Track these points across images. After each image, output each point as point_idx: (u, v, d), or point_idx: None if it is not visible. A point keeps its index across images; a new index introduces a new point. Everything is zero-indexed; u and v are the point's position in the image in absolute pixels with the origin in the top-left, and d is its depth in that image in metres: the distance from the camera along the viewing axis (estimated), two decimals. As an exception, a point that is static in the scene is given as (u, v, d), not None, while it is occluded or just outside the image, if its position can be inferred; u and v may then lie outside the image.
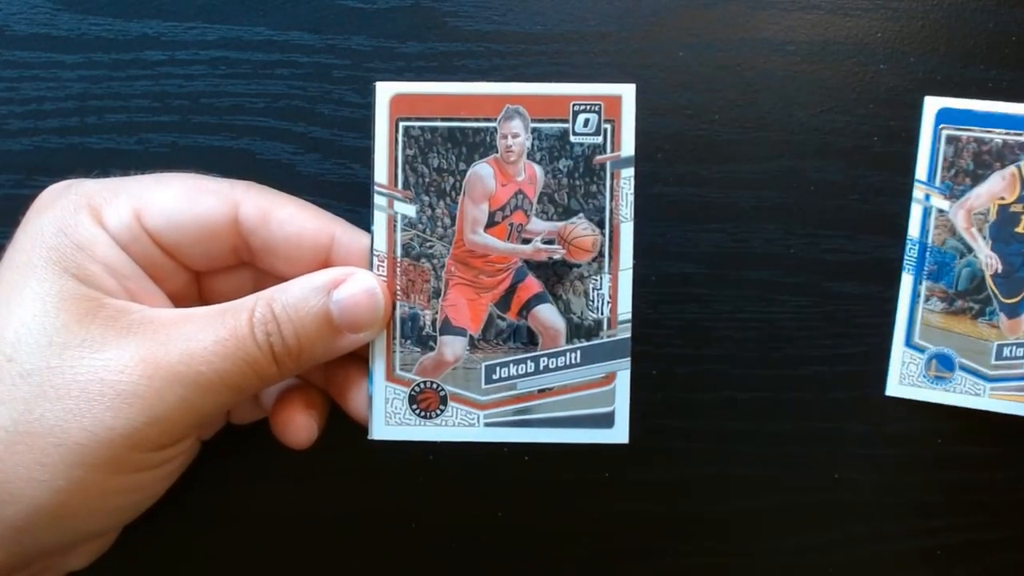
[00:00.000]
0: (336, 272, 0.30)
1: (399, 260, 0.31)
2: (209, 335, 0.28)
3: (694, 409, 0.37)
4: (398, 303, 0.31)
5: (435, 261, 0.31)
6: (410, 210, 0.31)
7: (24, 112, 0.36)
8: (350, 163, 0.36)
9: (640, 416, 0.33)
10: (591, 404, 0.31)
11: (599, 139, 0.31)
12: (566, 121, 0.31)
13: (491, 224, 0.31)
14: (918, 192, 0.36)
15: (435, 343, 0.31)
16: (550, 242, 0.31)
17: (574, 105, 0.31)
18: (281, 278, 0.30)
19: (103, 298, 0.28)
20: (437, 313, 0.31)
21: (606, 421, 0.31)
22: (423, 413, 0.32)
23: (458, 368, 0.32)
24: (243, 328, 0.28)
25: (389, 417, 0.32)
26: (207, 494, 0.37)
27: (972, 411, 0.36)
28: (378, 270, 0.31)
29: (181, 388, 0.28)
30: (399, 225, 0.31)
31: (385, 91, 0.31)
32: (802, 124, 0.36)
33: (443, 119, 0.31)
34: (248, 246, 0.31)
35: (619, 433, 0.31)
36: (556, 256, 0.31)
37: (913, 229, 0.36)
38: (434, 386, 0.32)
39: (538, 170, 0.31)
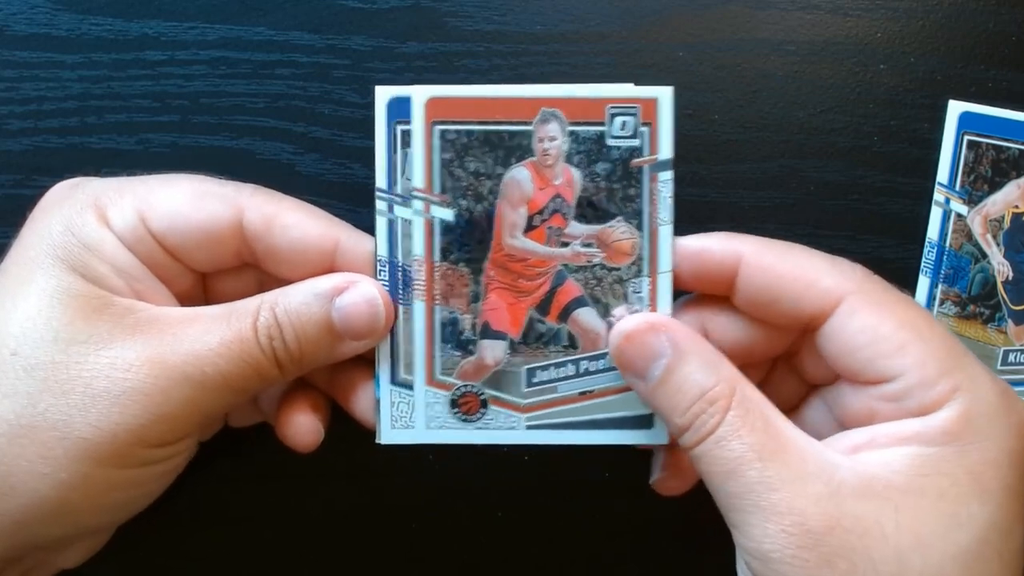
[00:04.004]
0: (339, 279, 0.30)
1: (437, 264, 0.31)
2: (214, 337, 0.28)
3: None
4: (437, 307, 0.31)
5: (473, 265, 0.31)
6: (448, 214, 0.31)
7: (24, 112, 0.36)
8: (350, 163, 0.36)
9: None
10: (630, 406, 0.31)
11: (636, 142, 0.30)
12: (602, 124, 0.30)
13: (529, 228, 0.31)
14: (938, 195, 0.36)
15: (475, 347, 0.31)
16: (589, 245, 0.31)
17: (611, 108, 0.30)
18: (286, 281, 0.30)
19: (110, 296, 0.29)
20: (477, 317, 0.31)
21: (645, 422, 0.31)
22: (464, 417, 0.32)
23: (499, 372, 0.31)
24: (247, 331, 0.29)
25: (430, 421, 0.31)
26: (207, 494, 0.37)
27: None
28: (380, 275, 0.31)
29: (187, 388, 0.28)
30: (437, 229, 0.31)
31: (421, 95, 0.30)
32: (802, 124, 0.37)
33: (479, 122, 0.30)
34: (252, 251, 0.31)
35: (659, 434, 0.31)
36: (595, 259, 0.31)
37: (932, 232, 0.37)
38: (475, 389, 0.31)
39: (576, 173, 0.31)
